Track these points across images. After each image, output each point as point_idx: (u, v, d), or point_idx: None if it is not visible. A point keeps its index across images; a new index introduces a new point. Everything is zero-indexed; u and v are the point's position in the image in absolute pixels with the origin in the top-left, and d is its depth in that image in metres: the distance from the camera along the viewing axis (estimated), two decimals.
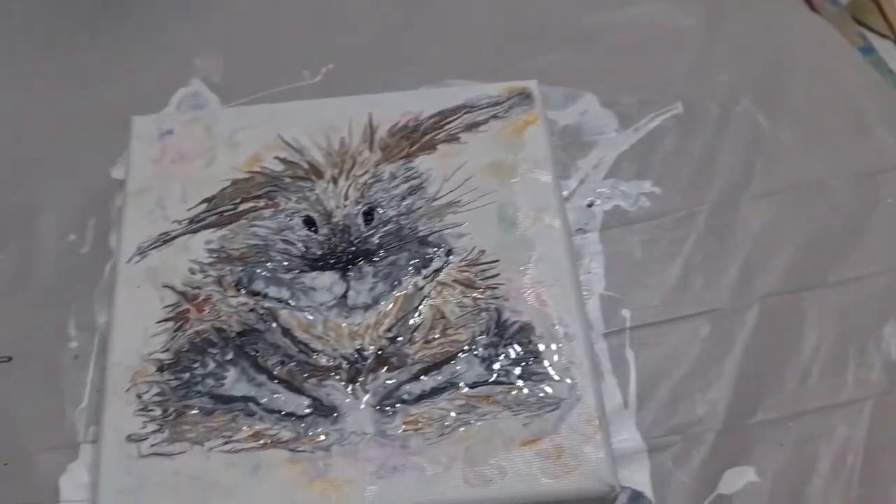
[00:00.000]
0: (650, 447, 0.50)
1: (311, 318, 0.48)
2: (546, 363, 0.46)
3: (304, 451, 0.44)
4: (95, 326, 0.54)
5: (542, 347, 0.47)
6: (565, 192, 0.58)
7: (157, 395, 0.46)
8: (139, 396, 0.46)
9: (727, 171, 0.60)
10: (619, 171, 0.60)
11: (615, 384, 0.52)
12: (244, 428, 0.45)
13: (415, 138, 0.55)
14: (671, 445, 0.50)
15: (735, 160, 0.60)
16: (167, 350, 0.47)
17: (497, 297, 0.48)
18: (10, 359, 0.53)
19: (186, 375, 0.47)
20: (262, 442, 0.45)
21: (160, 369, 0.47)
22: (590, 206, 0.59)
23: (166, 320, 0.48)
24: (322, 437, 0.45)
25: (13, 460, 0.50)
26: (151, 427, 0.45)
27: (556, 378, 0.46)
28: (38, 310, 0.55)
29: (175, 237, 0.51)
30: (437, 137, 0.54)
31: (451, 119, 0.55)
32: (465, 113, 0.55)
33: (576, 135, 0.62)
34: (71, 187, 0.60)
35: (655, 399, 0.51)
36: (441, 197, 0.52)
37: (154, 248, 0.51)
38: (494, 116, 0.55)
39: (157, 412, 0.46)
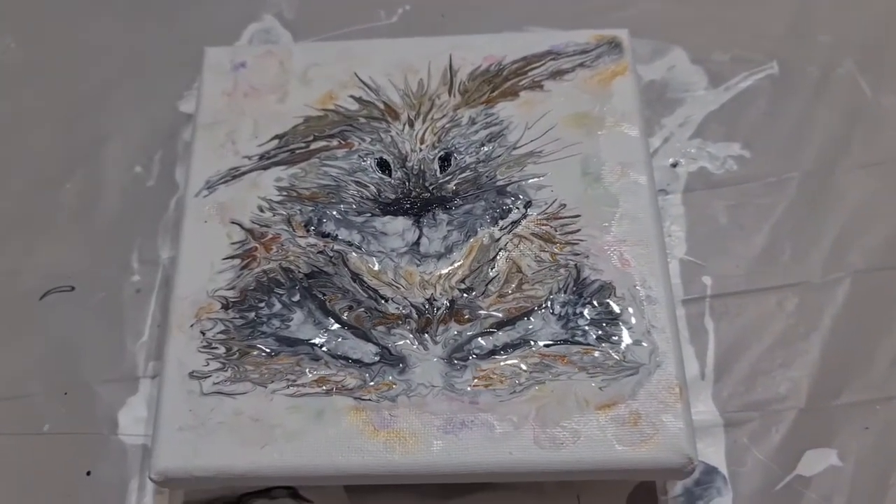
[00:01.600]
0: (726, 422, 0.48)
1: (381, 263, 0.46)
2: (626, 326, 0.44)
3: (369, 399, 0.43)
4: (158, 261, 0.53)
5: (622, 309, 0.44)
6: (649, 150, 0.55)
7: (222, 332, 0.45)
8: (203, 333, 0.45)
9: (823, 138, 0.56)
10: (706, 131, 0.57)
11: (692, 354, 0.50)
12: (308, 372, 0.43)
13: (496, 83, 0.52)
14: (748, 421, 0.48)
15: (833, 127, 0.57)
16: (233, 288, 0.46)
17: (577, 254, 0.46)
18: (72, 288, 0.53)
19: (252, 315, 0.45)
20: (326, 388, 0.43)
21: (225, 307, 0.45)
22: (674, 166, 0.56)
23: (233, 257, 0.47)
24: (388, 387, 0.43)
25: (73, 390, 0.50)
26: (214, 365, 0.44)
27: (636, 342, 0.44)
28: (102, 241, 0.54)
29: (245, 173, 0.50)
30: (521, 84, 0.52)
31: (535, 65, 0.52)
32: (550, 60, 0.52)
33: (662, 91, 0.59)
34: (139, 119, 0.59)
35: (734, 372, 0.49)
36: (522, 146, 0.50)
37: (223, 182, 0.49)
38: (581, 65, 0.52)
39: (221, 350, 0.44)
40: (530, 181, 0.48)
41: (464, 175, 0.49)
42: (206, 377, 0.44)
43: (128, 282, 0.53)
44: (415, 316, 0.45)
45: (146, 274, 0.53)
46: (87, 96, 0.60)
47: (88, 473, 0.47)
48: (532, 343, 0.44)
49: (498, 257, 0.46)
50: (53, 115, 0.60)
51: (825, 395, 0.48)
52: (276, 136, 0.51)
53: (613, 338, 0.44)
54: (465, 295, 0.45)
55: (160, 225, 0.55)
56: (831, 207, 0.54)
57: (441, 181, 0.49)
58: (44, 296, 0.53)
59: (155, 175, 0.57)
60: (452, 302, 0.45)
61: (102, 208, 0.56)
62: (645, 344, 0.44)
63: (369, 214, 0.48)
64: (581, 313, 0.45)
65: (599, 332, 0.44)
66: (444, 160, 0.49)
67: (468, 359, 0.44)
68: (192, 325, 0.45)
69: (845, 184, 0.54)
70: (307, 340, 0.44)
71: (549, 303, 0.45)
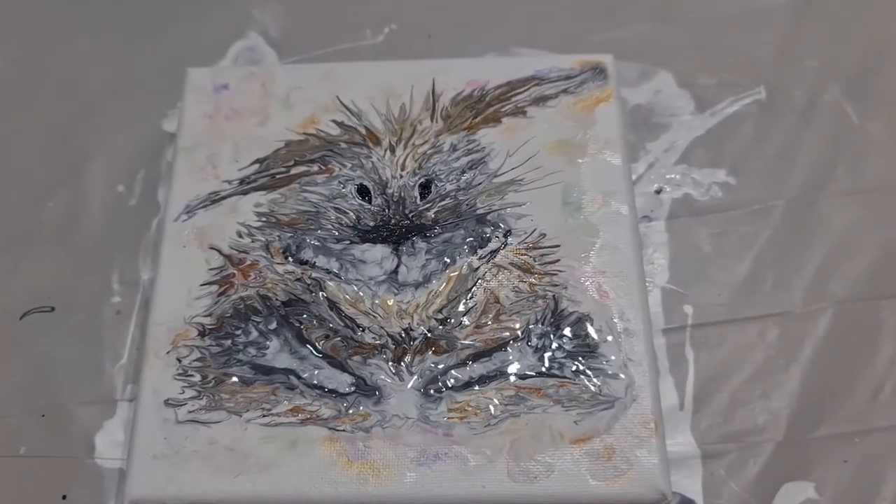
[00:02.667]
0: (704, 453, 0.47)
1: (359, 292, 0.46)
2: (603, 358, 0.44)
3: (343, 430, 0.43)
4: (139, 282, 0.53)
5: (599, 341, 0.44)
6: (633, 176, 0.55)
7: (198, 360, 0.45)
8: (179, 360, 0.45)
9: (809, 165, 0.56)
10: (691, 157, 0.57)
11: (671, 384, 0.49)
12: (284, 401, 0.43)
13: (479, 109, 0.52)
14: (726, 453, 0.47)
15: (818, 153, 0.56)
16: (210, 314, 0.46)
17: (555, 285, 0.46)
18: (52, 309, 0.53)
19: (228, 342, 0.45)
20: (301, 417, 0.43)
21: (202, 334, 0.45)
22: (658, 192, 0.56)
23: (211, 283, 0.47)
24: (363, 418, 0.43)
25: (50, 411, 0.49)
26: (190, 393, 0.44)
27: (613, 375, 0.43)
28: (82, 261, 0.54)
29: (224, 197, 0.49)
30: (503, 110, 0.52)
31: (518, 91, 0.52)
32: (534, 85, 0.52)
33: (647, 115, 0.58)
34: (122, 138, 0.59)
35: (713, 403, 0.49)
36: (503, 174, 0.49)
37: (202, 207, 0.49)
38: (565, 91, 0.52)
39: (197, 378, 0.44)
40: (510, 210, 0.48)
41: (444, 203, 0.49)
42: (181, 405, 0.44)
43: (108, 303, 0.53)
44: (391, 346, 0.45)
45: (126, 295, 0.53)
46: (70, 114, 0.60)
47: (64, 497, 0.47)
48: (508, 375, 0.44)
49: (476, 287, 0.46)
50: (36, 132, 0.59)
51: (804, 427, 0.48)
52: (257, 161, 0.51)
53: (590, 371, 0.44)
54: (442, 325, 0.45)
55: (141, 245, 0.54)
56: (815, 235, 0.53)
57: (421, 209, 0.48)
58: (23, 316, 0.53)
59: (137, 194, 0.57)
60: (429, 332, 0.45)
61: (84, 228, 0.55)
62: (622, 377, 0.43)
63: (348, 242, 0.48)
64: (558, 345, 0.44)
65: (576, 365, 0.44)
66: (425, 187, 0.49)
67: (443, 390, 0.43)
68: (168, 352, 0.45)
69: (830, 211, 0.54)
70: (283, 369, 0.44)
71: (525, 334, 0.45)
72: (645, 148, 0.57)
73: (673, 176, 0.56)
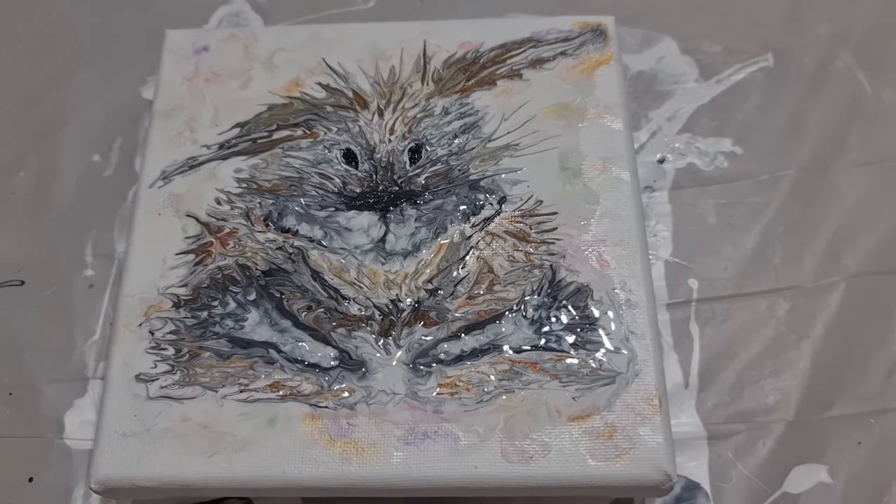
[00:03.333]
0: (710, 434, 0.45)
1: (344, 261, 0.43)
2: (603, 331, 0.41)
3: (326, 406, 0.40)
4: (114, 255, 0.51)
5: (599, 313, 0.42)
6: (634, 145, 0.52)
7: (172, 332, 0.42)
8: (152, 333, 0.42)
9: (819, 134, 0.53)
10: (695, 125, 0.54)
11: (676, 361, 0.47)
12: (262, 376, 0.41)
13: (473, 71, 0.49)
14: (734, 434, 0.45)
15: (829, 122, 0.54)
16: (185, 285, 0.43)
17: (553, 254, 0.43)
18: (22, 283, 0.50)
19: (204, 314, 0.42)
20: (280, 393, 0.40)
21: (176, 305, 0.43)
22: (661, 162, 0.53)
23: (187, 252, 0.44)
24: (347, 394, 0.40)
25: (18, 390, 0.47)
26: (163, 367, 0.41)
27: (614, 349, 0.41)
28: (55, 233, 0.52)
29: (203, 163, 0.47)
30: (498, 72, 0.49)
31: (514, 53, 0.49)
32: (530, 47, 0.49)
33: (650, 83, 0.56)
34: (99, 104, 0.56)
35: (719, 381, 0.46)
36: (497, 138, 0.47)
37: (179, 173, 0.46)
38: (563, 53, 0.49)
39: (170, 352, 0.41)
40: (505, 176, 0.45)
41: (435, 168, 0.46)
42: (153, 380, 0.41)
43: (80, 276, 0.50)
44: (377, 318, 0.42)
45: (100, 268, 0.50)
46: (45, 79, 0.57)
47: (31, 480, 0.45)
48: (502, 349, 0.41)
49: (468, 256, 0.43)
50: (8, 98, 0.57)
51: (816, 406, 0.45)
52: (238, 125, 0.48)
53: (589, 344, 0.41)
54: (432, 296, 0.42)
55: (117, 217, 0.52)
56: (826, 207, 0.51)
57: (410, 174, 0.46)
58: None
59: (113, 164, 0.54)
60: (418, 303, 0.42)
61: (57, 198, 0.53)
62: (623, 351, 0.41)
63: (333, 209, 0.45)
64: (555, 317, 0.42)
65: (574, 338, 0.41)
66: (415, 152, 0.46)
67: (433, 365, 0.41)
68: (140, 324, 0.42)
69: (841, 182, 0.52)
70: (262, 342, 0.42)
71: (521, 306, 0.42)
72: (647, 116, 0.55)
73: (676, 145, 0.53)
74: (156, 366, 0.41)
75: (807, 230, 0.50)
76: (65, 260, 0.50)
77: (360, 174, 0.46)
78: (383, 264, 0.43)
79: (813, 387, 0.46)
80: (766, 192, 0.51)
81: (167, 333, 0.42)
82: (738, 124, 0.54)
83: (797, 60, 0.56)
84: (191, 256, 0.44)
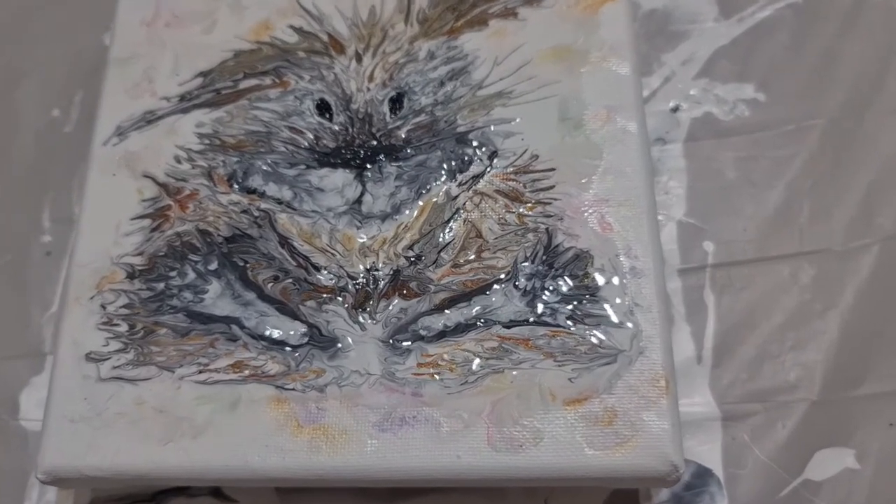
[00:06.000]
0: (724, 415, 0.41)
1: (315, 225, 0.39)
2: (604, 303, 0.37)
3: (293, 389, 0.36)
4: (73, 219, 0.46)
5: (601, 283, 0.37)
6: (645, 92, 0.47)
7: (125, 306, 0.38)
8: (104, 307, 0.38)
9: (853, 79, 0.48)
10: (714, 69, 0.49)
11: (688, 333, 0.42)
12: (224, 355, 0.37)
13: (462, 10, 0.44)
14: (751, 415, 0.40)
15: (864, 65, 0.48)
16: (140, 253, 0.39)
17: (549, 216, 0.38)
18: None
19: (160, 286, 0.38)
20: (243, 373, 0.36)
21: (130, 276, 0.39)
22: (674, 110, 0.48)
23: (143, 217, 0.40)
24: (317, 375, 0.36)
25: None
26: (115, 345, 0.37)
27: (616, 323, 0.36)
28: (9, 195, 0.48)
29: (161, 117, 0.42)
30: (490, 11, 0.44)
31: None
32: None
33: (664, 22, 0.50)
34: (58, 54, 0.51)
35: (736, 356, 0.42)
36: (489, 85, 0.42)
37: (136, 128, 0.42)
38: None
39: (123, 328, 0.38)
40: (497, 127, 0.41)
41: (418, 120, 0.41)
42: (104, 360, 0.37)
43: (37, 242, 0.46)
44: (351, 289, 0.38)
45: (58, 234, 0.46)
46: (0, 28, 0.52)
47: None
48: (490, 323, 0.37)
49: (454, 219, 0.39)
50: None
51: (843, 384, 0.41)
52: (201, 74, 0.43)
53: (588, 318, 0.36)
54: (412, 264, 0.38)
55: (76, 178, 0.48)
56: (859, 161, 0.45)
57: (391, 127, 0.41)
58: None
59: (74, 119, 0.50)
60: (397, 273, 0.38)
61: (13, 157, 0.49)
62: (627, 326, 0.36)
63: (304, 166, 0.40)
64: (550, 288, 0.37)
65: (572, 312, 0.37)
66: (396, 102, 0.42)
67: (412, 342, 0.36)
68: (91, 298, 0.38)
69: (876, 133, 0.46)
70: (224, 317, 0.37)
71: (512, 275, 0.37)
72: (660, 60, 0.49)
73: (692, 92, 0.48)
74: (108, 343, 0.37)
75: (837, 186, 0.45)
76: (21, 225, 0.47)
77: (334, 127, 0.41)
78: (359, 228, 0.39)
79: (840, 362, 0.41)
80: (791, 143, 0.46)
81: (120, 307, 0.38)
82: (762, 68, 0.48)
83: None
84: (147, 221, 0.40)
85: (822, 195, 0.45)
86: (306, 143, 0.41)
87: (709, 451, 0.40)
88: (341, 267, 0.38)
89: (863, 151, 0.46)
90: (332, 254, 0.38)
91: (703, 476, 0.40)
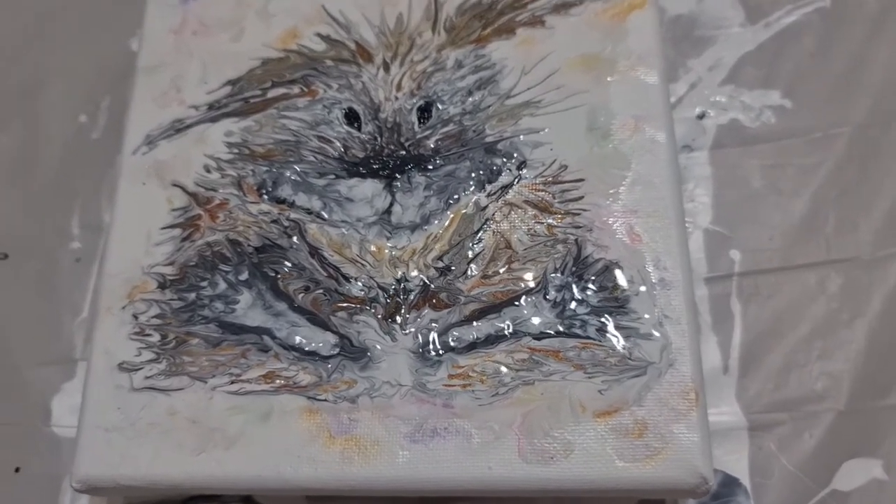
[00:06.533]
0: (751, 424, 0.41)
1: (345, 235, 0.39)
2: (633, 315, 0.37)
3: (325, 399, 0.36)
4: (101, 226, 0.47)
5: (630, 294, 0.37)
6: (671, 99, 0.47)
7: (157, 316, 0.38)
8: (135, 317, 0.38)
9: (881, 85, 0.47)
10: (740, 76, 0.48)
11: (715, 343, 0.42)
12: (255, 365, 0.37)
13: (489, 18, 0.44)
14: (778, 425, 0.41)
15: (891, 71, 0.48)
16: (171, 263, 0.39)
17: (578, 227, 0.38)
18: (6, 256, 0.47)
19: (192, 296, 0.39)
20: (275, 384, 0.37)
21: (162, 286, 0.39)
22: (700, 117, 0.48)
23: (173, 226, 0.40)
24: (348, 385, 0.36)
25: (3, 372, 0.44)
26: (147, 355, 0.38)
27: (645, 335, 0.36)
28: (39, 202, 0.48)
29: (190, 126, 0.42)
30: (518, 19, 0.43)
31: None
32: None
33: (690, 27, 0.50)
34: (84, 60, 0.52)
35: (763, 365, 0.42)
36: (517, 94, 0.42)
37: (165, 137, 0.42)
38: None
39: (156, 338, 0.38)
40: (525, 137, 0.41)
41: (446, 129, 0.41)
42: (137, 369, 0.37)
43: (66, 249, 0.46)
44: (382, 300, 0.38)
45: (87, 240, 0.47)
46: (27, 31, 0.53)
47: (17, 470, 0.42)
48: (520, 335, 0.37)
49: (483, 230, 0.39)
50: None
51: (870, 393, 0.41)
52: (229, 82, 0.43)
53: (618, 330, 0.36)
54: (442, 275, 0.38)
55: (104, 184, 0.48)
56: (886, 169, 0.45)
57: (419, 136, 0.41)
58: None
59: (101, 126, 0.50)
60: (427, 283, 0.38)
61: (41, 163, 0.49)
62: (656, 337, 0.36)
63: (333, 176, 0.40)
64: (580, 299, 0.37)
65: (601, 323, 0.37)
66: (424, 111, 0.42)
67: (443, 353, 0.37)
68: (123, 307, 0.39)
69: None
70: (255, 327, 0.38)
71: (542, 286, 0.38)
72: (686, 65, 0.49)
73: (719, 98, 0.48)
74: (140, 353, 0.38)
75: (864, 195, 0.45)
76: (50, 232, 0.47)
77: (363, 136, 0.41)
78: (388, 239, 0.39)
79: (867, 371, 0.41)
80: (818, 151, 0.46)
81: (152, 317, 0.38)
82: (789, 74, 0.48)
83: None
84: (177, 231, 0.40)
85: (848, 203, 0.45)
86: (335, 153, 0.41)
87: (736, 461, 0.40)
88: (371, 278, 0.38)
89: (890, 159, 0.45)
90: (363, 264, 0.39)
91: (730, 486, 0.40)
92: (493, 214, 0.39)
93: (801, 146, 0.46)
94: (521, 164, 0.40)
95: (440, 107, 0.42)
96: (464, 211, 0.39)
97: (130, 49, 0.52)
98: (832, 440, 0.40)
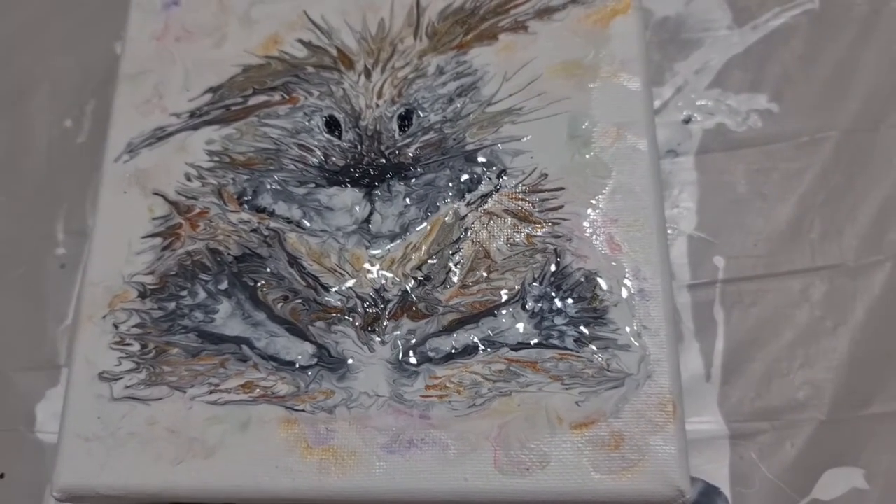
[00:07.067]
0: (732, 433, 0.41)
1: (324, 244, 0.39)
2: (612, 326, 0.37)
3: (303, 410, 0.36)
4: (86, 232, 0.47)
5: (609, 305, 0.37)
6: (657, 103, 0.47)
7: (137, 326, 0.38)
8: (116, 326, 0.38)
9: (868, 89, 0.47)
10: (727, 79, 0.48)
11: (697, 350, 0.42)
12: (234, 375, 0.37)
13: (472, 24, 0.43)
14: (759, 433, 0.40)
15: (880, 75, 0.47)
16: (152, 272, 0.39)
17: (558, 236, 0.38)
18: None
19: (172, 305, 0.39)
20: (254, 394, 0.37)
21: (142, 295, 0.39)
22: (686, 122, 0.47)
23: (154, 235, 0.40)
24: (326, 396, 0.36)
25: None
26: (127, 365, 0.38)
27: (624, 346, 0.36)
28: (25, 207, 0.48)
29: (171, 133, 0.42)
30: (500, 24, 0.43)
31: (519, 1, 0.43)
32: None
33: (676, 30, 0.49)
34: (69, 64, 0.52)
35: (745, 373, 0.42)
36: (498, 101, 0.41)
37: (146, 145, 0.42)
38: (574, 1, 0.43)
39: (136, 347, 0.38)
40: (505, 146, 0.40)
41: (427, 137, 0.41)
42: (116, 379, 0.38)
43: (51, 255, 0.47)
44: (360, 310, 0.38)
45: (72, 246, 0.47)
46: (11, 34, 0.53)
47: (2, 476, 0.42)
48: (498, 345, 0.37)
49: (463, 239, 0.39)
50: None
51: (852, 403, 0.41)
52: (210, 90, 0.43)
53: (596, 341, 0.36)
54: (421, 285, 0.38)
55: (90, 189, 0.48)
56: (873, 174, 0.45)
57: (400, 144, 0.41)
58: None
59: (86, 130, 0.50)
60: (405, 293, 0.38)
61: (27, 169, 0.49)
62: (634, 348, 0.36)
63: (313, 185, 0.40)
64: (558, 310, 0.37)
65: (579, 334, 0.37)
66: (405, 118, 0.41)
67: (421, 363, 0.37)
68: (104, 317, 0.39)
69: (890, 146, 0.46)
70: (234, 337, 0.38)
71: (520, 296, 0.37)
72: (672, 69, 0.49)
73: (705, 102, 0.48)
74: (120, 363, 0.38)
75: (850, 201, 0.44)
76: (35, 237, 0.47)
77: (343, 144, 0.41)
78: (368, 248, 0.39)
79: (849, 381, 0.41)
80: (804, 156, 0.46)
81: (132, 327, 0.38)
82: (776, 77, 0.48)
83: (846, 1, 0.49)
84: (158, 240, 0.40)
85: (834, 210, 0.44)
86: (315, 161, 0.41)
87: (716, 470, 0.40)
88: (350, 288, 0.38)
89: (876, 165, 0.45)
90: (342, 274, 0.39)
91: (710, 494, 0.40)
92: (473, 224, 0.39)
93: (787, 151, 0.46)
94: (502, 173, 0.40)
95: (421, 114, 0.41)
96: (443, 220, 0.39)
97: (114, 53, 0.52)
98: (813, 449, 0.40)
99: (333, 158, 0.41)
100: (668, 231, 0.44)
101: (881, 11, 0.49)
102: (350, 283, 0.38)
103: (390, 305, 0.38)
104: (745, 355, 0.42)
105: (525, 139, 0.40)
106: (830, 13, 0.49)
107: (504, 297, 0.38)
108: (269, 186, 0.41)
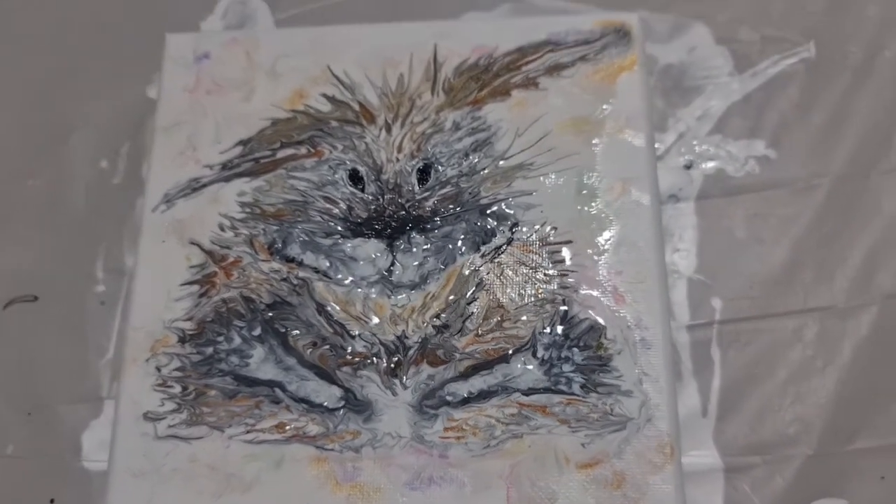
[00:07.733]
0: (727, 466, 0.44)
1: (350, 294, 0.42)
2: (616, 373, 0.40)
3: (332, 449, 0.40)
4: (124, 269, 0.50)
5: (613, 353, 0.40)
6: (659, 148, 0.50)
7: (178, 369, 0.42)
8: (158, 369, 0.42)
9: (861, 136, 0.49)
10: (727, 126, 0.50)
11: (695, 388, 0.45)
12: (268, 416, 0.40)
13: (486, 80, 0.46)
14: (752, 467, 0.44)
15: (873, 122, 0.50)
16: (190, 318, 0.42)
17: (566, 287, 0.41)
18: (36, 298, 0.50)
19: (209, 350, 0.42)
20: (287, 434, 0.40)
21: (182, 340, 0.42)
22: (688, 167, 0.50)
23: (191, 283, 0.43)
24: (353, 436, 0.40)
25: (36, 410, 0.47)
26: (170, 405, 0.41)
27: (626, 392, 0.39)
28: (65, 246, 0.51)
29: (205, 185, 0.45)
30: (513, 81, 0.46)
31: (530, 59, 0.46)
32: (547, 52, 0.46)
33: (679, 77, 0.52)
34: (102, 107, 0.54)
35: (740, 410, 0.45)
36: (511, 156, 0.44)
37: (182, 196, 0.45)
38: (583, 58, 0.46)
39: (177, 389, 0.41)
40: (517, 200, 0.43)
41: (444, 191, 0.44)
42: (160, 419, 0.41)
43: (91, 292, 0.50)
44: (384, 356, 0.41)
45: (111, 283, 0.50)
46: (51, 78, 0.55)
47: (52, 501, 0.46)
48: (511, 390, 0.40)
49: (477, 289, 0.42)
50: (11, 102, 0.55)
51: (838, 438, 0.44)
52: (241, 142, 0.46)
53: (600, 387, 0.40)
54: (439, 333, 0.41)
55: (125, 228, 0.51)
56: (863, 220, 0.48)
57: (419, 198, 0.44)
58: (7, 305, 0.50)
59: (121, 171, 0.53)
60: (425, 340, 0.41)
61: (67, 208, 0.52)
62: (636, 394, 0.39)
63: (338, 236, 0.43)
64: (566, 358, 0.40)
65: (585, 381, 0.40)
66: (423, 173, 0.44)
67: (440, 407, 0.40)
68: (147, 360, 0.42)
69: (881, 191, 0.48)
70: (267, 380, 0.41)
71: (531, 344, 0.41)
72: (675, 115, 0.51)
73: (706, 148, 0.50)
74: (163, 404, 0.41)
75: (840, 245, 0.47)
76: (76, 275, 0.50)
77: (366, 197, 0.44)
78: (389, 297, 0.42)
79: (836, 417, 0.44)
80: (799, 201, 0.48)
81: (173, 370, 0.42)
82: (773, 124, 0.50)
83: (842, 50, 0.51)
84: (195, 287, 0.43)
85: (826, 254, 0.47)
86: (340, 213, 0.44)
87: (712, 501, 0.43)
88: (374, 335, 0.41)
89: (866, 211, 0.48)
90: (366, 321, 0.42)
91: None
92: (487, 274, 0.42)
93: (783, 196, 0.49)
94: (514, 226, 0.43)
95: (439, 168, 0.44)
96: (459, 271, 0.42)
97: (146, 97, 0.54)
98: (802, 482, 0.43)
99: (357, 210, 0.44)
100: (671, 274, 0.47)
101: (875, 59, 0.51)
102: (374, 330, 0.41)
103: (411, 352, 0.41)
104: (740, 392, 0.45)
105: (536, 193, 0.43)
106: (826, 60, 0.51)
107: (516, 345, 0.41)
108: (297, 237, 0.44)
